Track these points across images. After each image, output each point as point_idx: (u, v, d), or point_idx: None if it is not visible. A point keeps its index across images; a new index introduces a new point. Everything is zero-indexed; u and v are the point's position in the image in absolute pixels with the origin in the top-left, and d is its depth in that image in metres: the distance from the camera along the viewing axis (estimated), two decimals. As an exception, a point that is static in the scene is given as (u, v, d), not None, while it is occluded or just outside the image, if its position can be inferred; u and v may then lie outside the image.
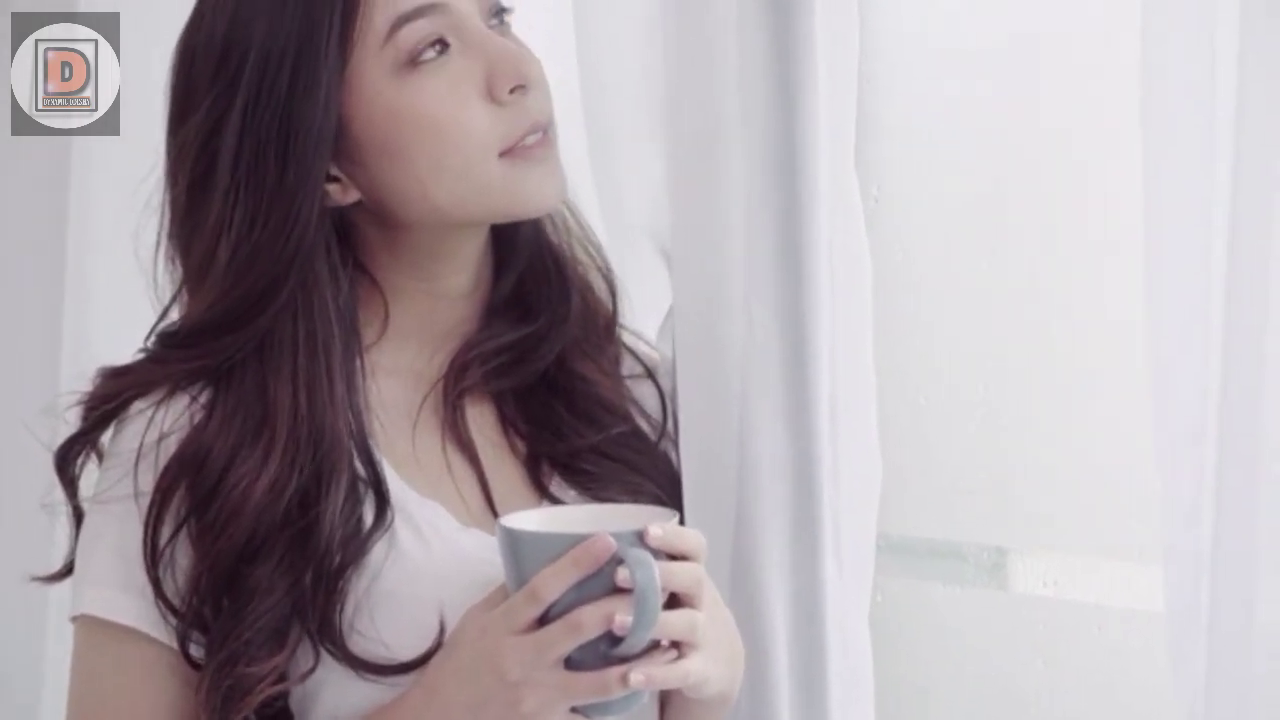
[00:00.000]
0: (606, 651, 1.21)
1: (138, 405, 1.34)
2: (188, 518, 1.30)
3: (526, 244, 1.42)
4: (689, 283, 1.44)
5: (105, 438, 1.37)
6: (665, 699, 1.36)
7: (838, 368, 1.45)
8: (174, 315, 1.40)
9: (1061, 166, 1.61)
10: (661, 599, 1.20)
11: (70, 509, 1.37)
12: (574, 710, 1.23)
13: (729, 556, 1.41)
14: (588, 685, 1.21)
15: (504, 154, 1.32)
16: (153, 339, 1.38)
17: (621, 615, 1.19)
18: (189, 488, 1.30)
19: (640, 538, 1.21)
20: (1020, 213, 1.65)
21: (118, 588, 1.31)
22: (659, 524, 1.22)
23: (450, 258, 1.38)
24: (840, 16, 1.40)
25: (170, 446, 1.32)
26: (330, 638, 1.29)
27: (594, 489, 1.38)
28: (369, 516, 1.32)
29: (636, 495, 1.38)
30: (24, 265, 2.20)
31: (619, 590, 1.20)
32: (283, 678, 1.29)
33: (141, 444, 1.32)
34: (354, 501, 1.31)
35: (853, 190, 1.44)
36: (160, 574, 1.30)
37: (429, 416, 1.39)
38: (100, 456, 1.36)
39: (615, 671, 1.20)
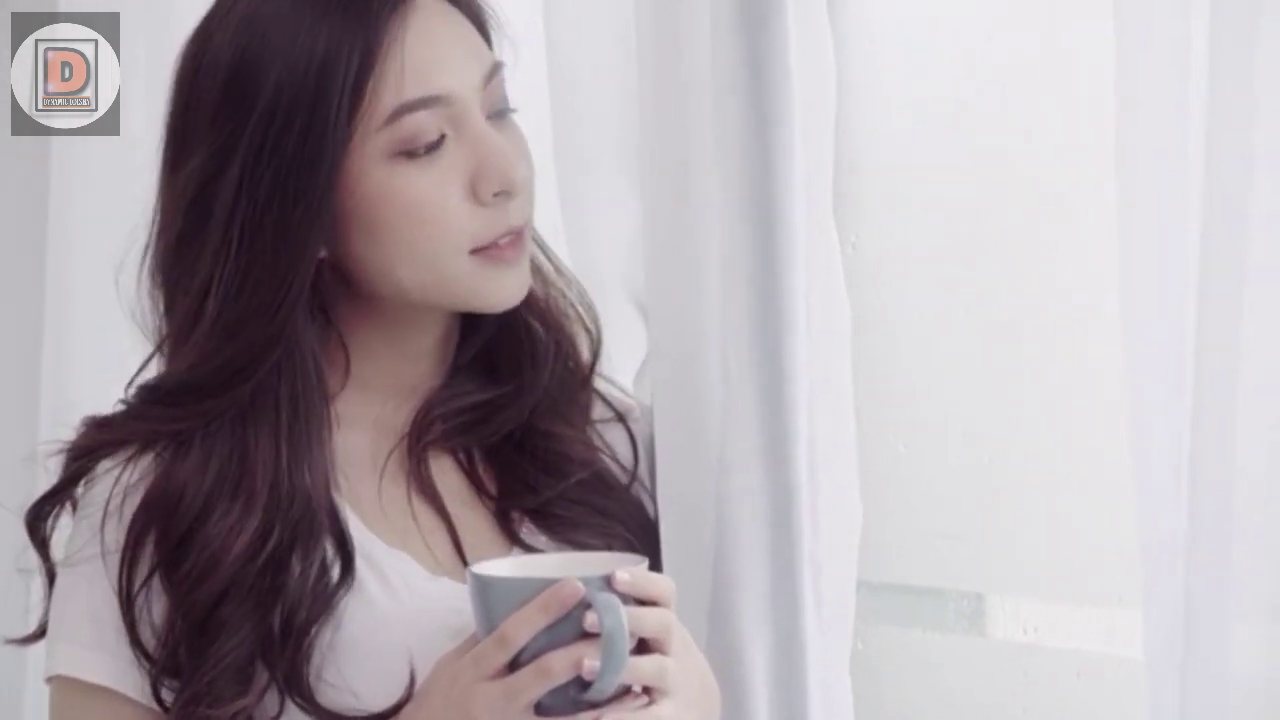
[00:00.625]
0: (576, 697, 1.21)
1: (105, 465, 1.34)
2: (159, 565, 1.30)
3: None
4: (666, 332, 1.44)
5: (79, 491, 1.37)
6: None
7: (816, 415, 1.45)
8: (156, 362, 1.41)
9: (1040, 213, 1.62)
10: (630, 644, 1.20)
11: (43, 569, 1.37)
12: None
13: (708, 602, 1.41)
14: None
15: (474, 252, 1.32)
16: (134, 389, 1.38)
17: (590, 660, 1.19)
18: (159, 533, 1.31)
19: (608, 582, 1.21)
20: (998, 259, 1.65)
21: (90, 647, 1.32)
22: (627, 569, 1.22)
23: (416, 322, 1.38)
24: (815, 63, 1.40)
25: (136, 499, 1.32)
26: (299, 690, 1.29)
27: (565, 533, 1.39)
28: (335, 572, 1.32)
29: (608, 539, 1.38)
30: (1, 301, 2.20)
31: (588, 635, 1.20)
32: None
33: (108, 501, 1.33)
34: (323, 557, 1.32)
35: (830, 237, 1.44)
36: (136, 620, 1.30)
37: (394, 468, 1.39)
38: (75, 507, 1.36)
39: (585, 717, 1.21)
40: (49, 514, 1.37)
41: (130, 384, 1.39)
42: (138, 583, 1.30)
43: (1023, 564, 1.65)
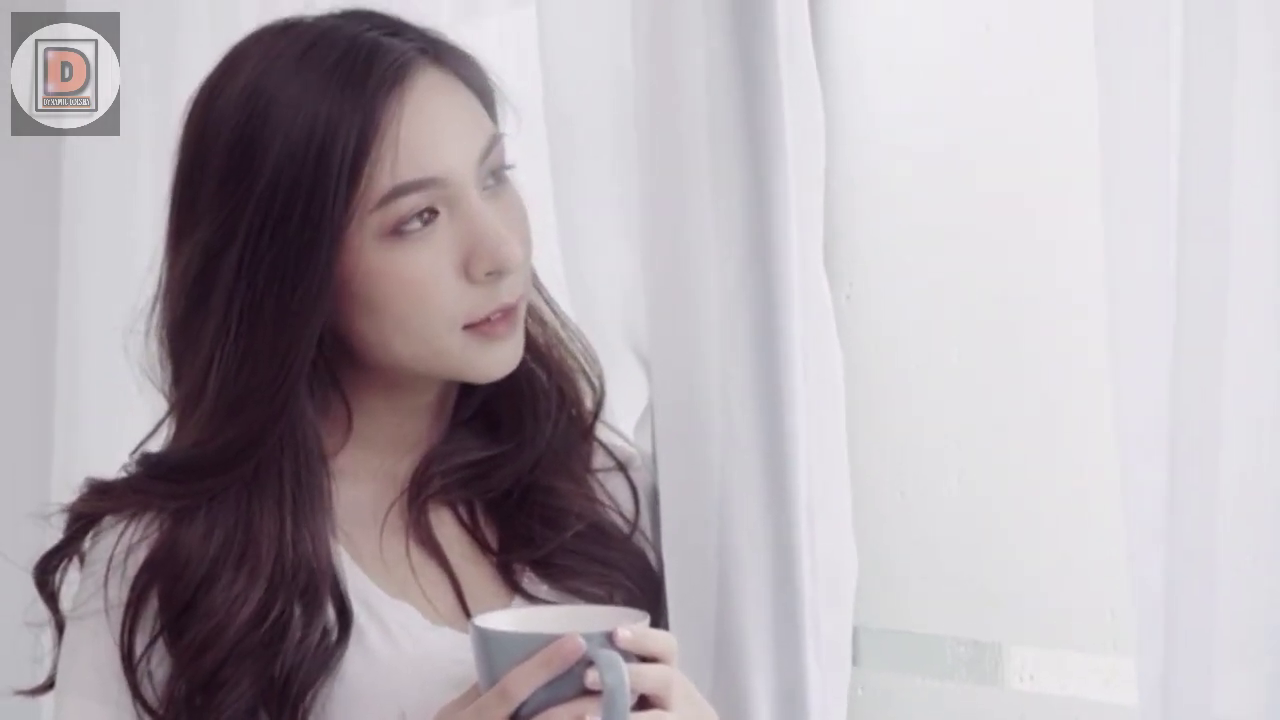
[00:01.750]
0: None
1: (109, 519, 1.36)
2: (163, 631, 1.32)
3: None
4: (666, 382, 1.45)
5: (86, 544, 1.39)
6: None
7: (813, 464, 1.46)
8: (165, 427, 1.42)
9: (1035, 260, 1.63)
10: (631, 700, 1.21)
11: (52, 621, 1.39)
12: None
13: (711, 651, 1.42)
14: None
15: (467, 327, 1.33)
16: (137, 457, 1.39)
17: (591, 717, 1.20)
18: (162, 594, 1.32)
19: (610, 639, 1.22)
20: (992, 308, 1.66)
21: (95, 699, 1.34)
22: (629, 625, 1.23)
23: (414, 383, 1.40)
24: (805, 115, 1.42)
25: (140, 556, 1.34)
26: None
27: (566, 581, 1.39)
28: (335, 634, 1.33)
29: (610, 588, 1.39)
30: (13, 360, 2.21)
31: (589, 692, 1.21)
32: None
33: (111, 557, 1.34)
34: (324, 622, 1.33)
35: (822, 286, 1.45)
36: (138, 678, 1.32)
37: (395, 520, 1.40)
38: (82, 562, 1.38)
39: None
40: (56, 567, 1.38)
41: (137, 449, 1.40)
42: (140, 644, 1.32)
43: (1020, 611, 1.66)
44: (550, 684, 1.21)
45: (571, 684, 1.21)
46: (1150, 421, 1.18)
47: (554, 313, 1.47)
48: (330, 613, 1.33)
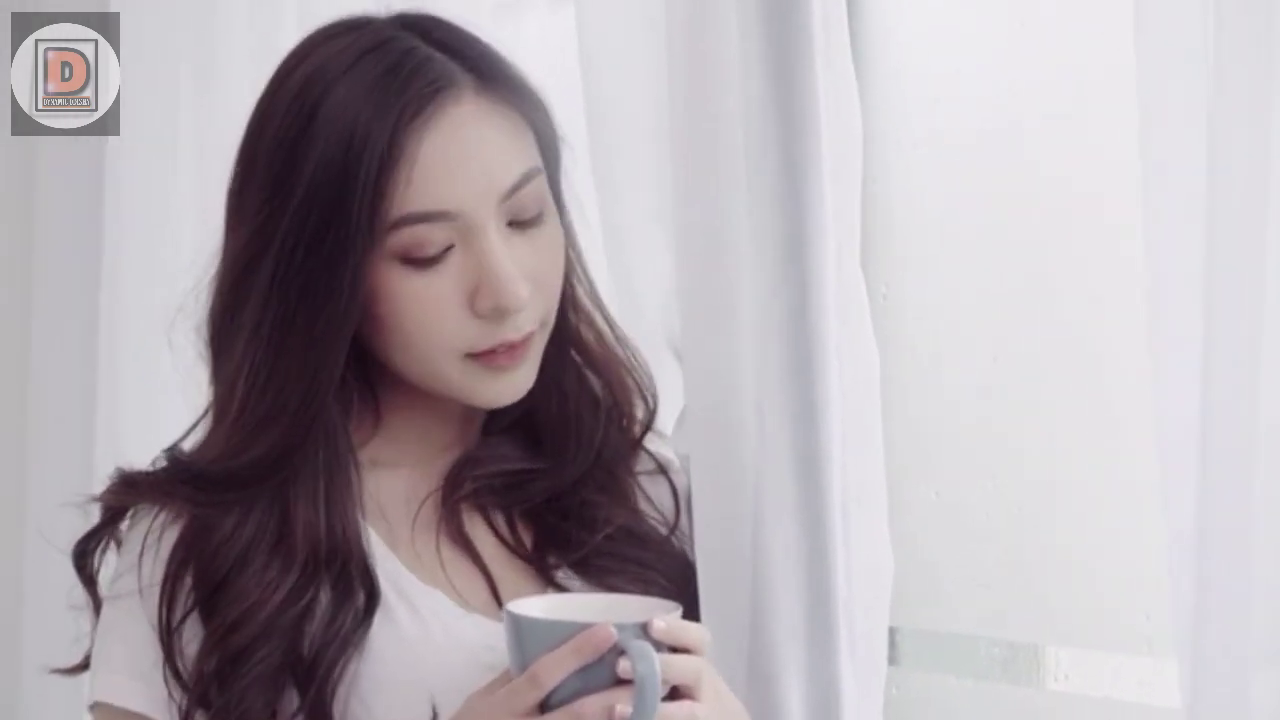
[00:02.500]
0: None
1: (145, 505, 1.37)
2: (196, 608, 1.33)
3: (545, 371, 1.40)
4: (701, 383, 1.45)
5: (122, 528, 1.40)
6: None
7: (848, 464, 1.46)
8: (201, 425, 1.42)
9: (1070, 258, 1.62)
10: (662, 691, 1.22)
11: (90, 603, 1.41)
12: None
13: (745, 652, 1.42)
14: None
15: (469, 356, 1.33)
16: (168, 454, 1.40)
17: (622, 706, 1.20)
18: (196, 573, 1.33)
19: (644, 630, 1.22)
20: (1028, 308, 1.66)
21: (128, 675, 1.35)
22: (663, 617, 1.23)
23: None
24: (842, 116, 1.41)
25: (173, 536, 1.34)
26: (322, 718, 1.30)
27: (602, 579, 1.40)
28: (363, 611, 1.34)
29: (646, 587, 1.39)
30: (59, 351, 2.22)
31: (621, 682, 1.21)
32: None
33: (145, 537, 1.35)
34: (355, 606, 1.33)
35: (859, 287, 1.45)
36: (173, 652, 1.32)
37: (427, 515, 1.40)
38: (119, 544, 1.40)
39: None
40: (93, 551, 1.40)
41: (175, 445, 1.41)
42: (176, 619, 1.33)
43: (1055, 611, 1.65)
44: (582, 672, 1.21)
45: (603, 673, 1.21)
46: (1185, 421, 1.18)
47: (609, 324, 1.46)
48: (360, 595, 1.34)
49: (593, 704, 1.21)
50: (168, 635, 1.33)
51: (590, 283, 1.45)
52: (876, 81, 1.70)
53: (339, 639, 1.32)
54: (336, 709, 1.31)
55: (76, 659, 1.42)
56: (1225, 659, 1.15)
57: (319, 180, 1.29)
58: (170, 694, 1.33)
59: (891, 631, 1.52)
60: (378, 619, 1.33)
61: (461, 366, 1.33)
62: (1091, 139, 1.59)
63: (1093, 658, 1.65)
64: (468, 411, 1.41)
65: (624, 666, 1.21)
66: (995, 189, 1.67)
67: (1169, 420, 1.20)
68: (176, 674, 1.32)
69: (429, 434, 1.41)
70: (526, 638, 1.24)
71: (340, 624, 1.32)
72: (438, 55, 1.33)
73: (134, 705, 1.34)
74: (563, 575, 1.40)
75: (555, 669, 1.21)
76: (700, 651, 1.25)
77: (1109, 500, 1.59)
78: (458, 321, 1.32)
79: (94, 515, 1.41)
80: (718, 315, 1.42)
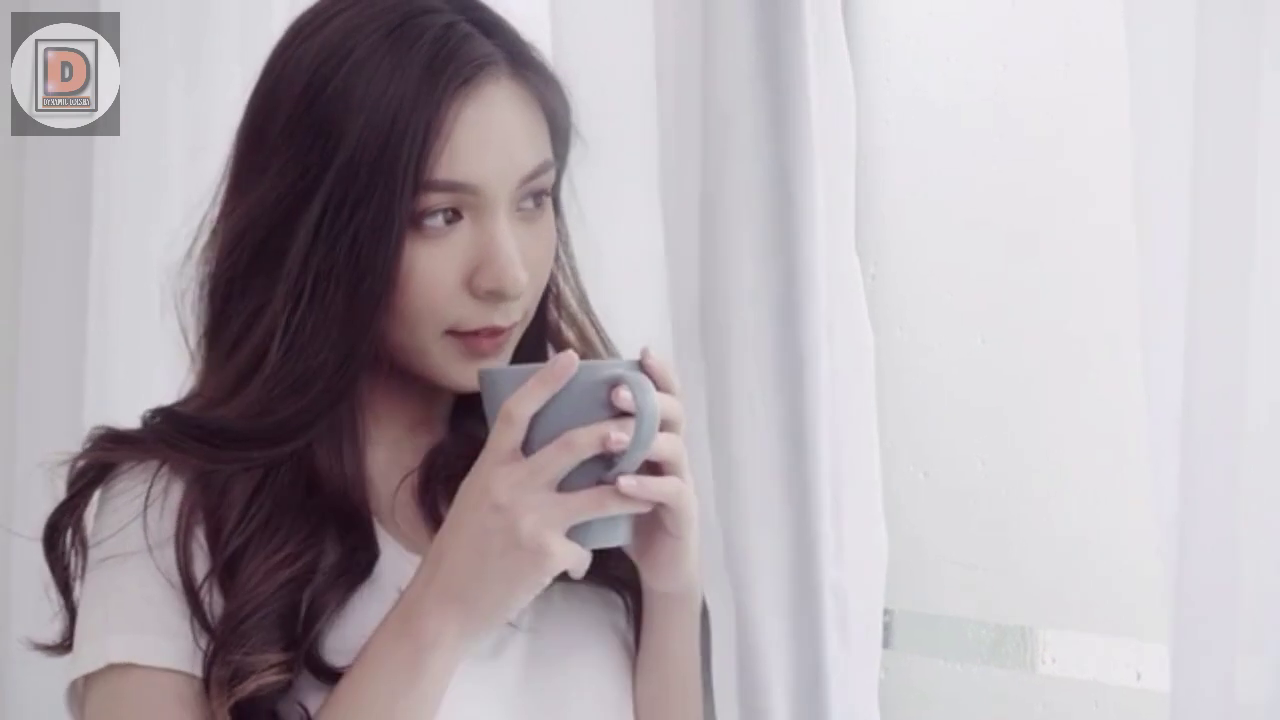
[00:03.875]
0: (601, 474, 1.22)
1: (126, 466, 1.35)
2: (214, 572, 1.30)
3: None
4: (689, 368, 1.45)
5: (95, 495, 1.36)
6: (646, 603, 1.37)
7: (841, 444, 1.46)
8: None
9: (1060, 240, 1.62)
10: (657, 427, 1.22)
11: (58, 580, 1.37)
12: (569, 536, 1.23)
13: (734, 634, 1.42)
14: (583, 502, 1.22)
15: (451, 333, 1.32)
16: (162, 412, 1.37)
17: (618, 433, 1.21)
18: (211, 532, 1.31)
19: (639, 365, 1.23)
20: (1017, 291, 1.66)
21: (153, 632, 1.31)
22: (654, 355, 1.24)
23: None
24: (836, 96, 1.41)
25: (177, 491, 1.32)
26: (312, 659, 1.30)
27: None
28: (363, 569, 1.33)
29: (610, 565, 1.39)
30: (47, 322, 2.22)
31: (611, 418, 1.22)
32: (287, 669, 1.29)
33: (149, 492, 1.33)
34: (359, 561, 1.33)
35: (854, 268, 1.45)
36: (202, 604, 1.30)
37: (405, 495, 1.39)
38: (76, 526, 1.36)
39: (609, 487, 1.22)
40: (67, 526, 1.36)
41: (162, 409, 1.38)
42: (199, 576, 1.30)
43: (1044, 594, 1.65)
44: (572, 412, 1.22)
45: (593, 408, 1.22)
46: (1171, 408, 1.18)
47: (593, 325, 1.46)
48: (364, 554, 1.33)
49: (584, 433, 1.21)
50: (193, 591, 1.30)
51: (578, 283, 1.45)
52: (866, 61, 1.69)
53: (336, 593, 1.31)
54: (322, 651, 1.30)
55: (55, 636, 1.38)
56: (1210, 645, 1.14)
57: (367, 138, 1.28)
58: (197, 643, 1.30)
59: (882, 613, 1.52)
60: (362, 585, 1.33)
61: (442, 343, 1.33)
62: (1082, 119, 1.59)
63: (1082, 640, 1.65)
64: (435, 393, 1.39)
65: (623, 396, 1.21)
66: (984, 170, 1.67)
67: (1155, 407, 1.19)
68: (206, 626, 1.30)
69: (402, 410, 1.40)
70: (498, 391, 1.25)
71: (340, 580, 1.32)
72: (477, 33, 1.33)
73: (162, 661, 1.30)
74: None
75: (525, 401, 1.22)
76: (678, 426, 1.26)
77: (1099, 482, 1.59)
78: (451, 296, 1.31)
79: (60, 491, 1.37)
80: (705, 300, 1.42)
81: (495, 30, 1.35)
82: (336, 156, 1.29)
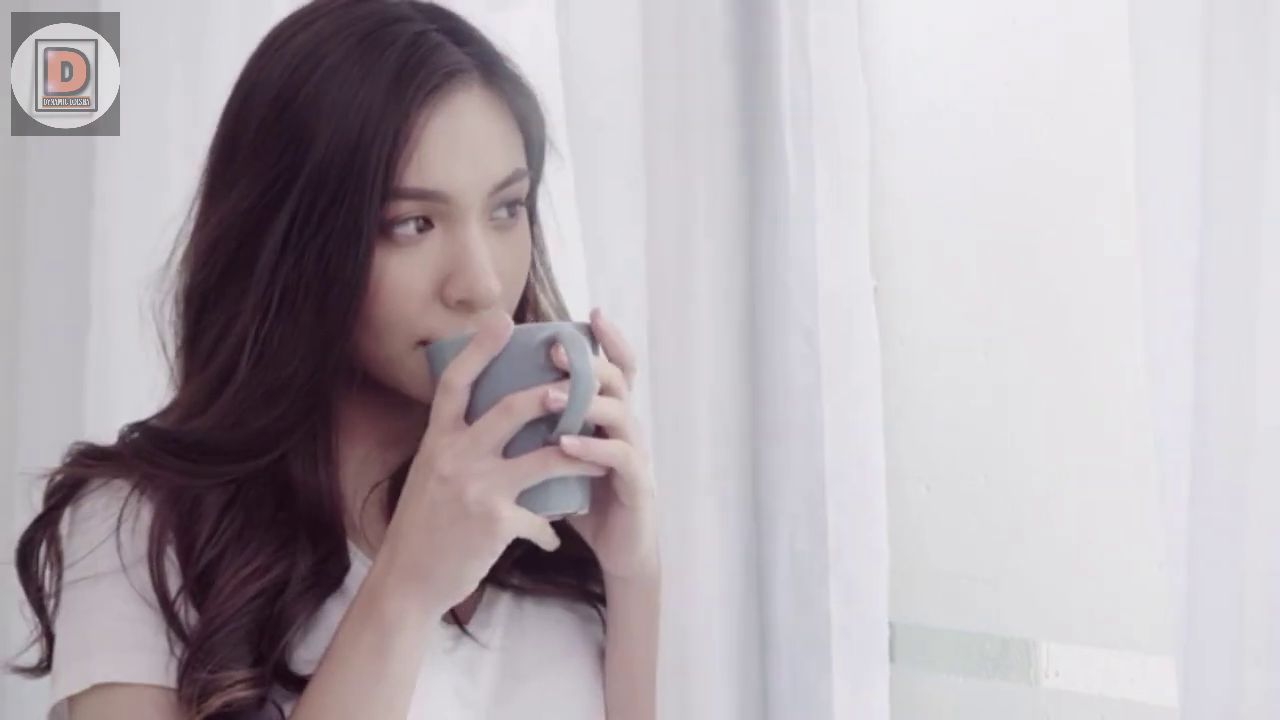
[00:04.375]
0: (545, 436, 1.21)
1: (97, 482, 1.34)
2: (185, 588, 1.30)
3: None
4: (665, 384, 1.45)
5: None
6: (609, 593, 1.36)
7: (846, 459, 1.45)
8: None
9: (1061, 250, 1.61)
10: (595, 385, 1.21)
11: (31, 599, 1.36)
12: (521, 502, 1.22)
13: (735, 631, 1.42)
14: (528, 466, 1.21)
15: (422, 344, 1.31)
16: (139, 427, 1.37)
17: (556, 393, 1.20)
18: (182, 549, 1.30)
19: (586, 327, 1.23)
20: (1020, 302, 1.65)
21: (132, 649, 1.30)
22: (601, 316, 1.24)
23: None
24: (848, 105, 1.41)
25: (147, 511, 1.32)
26: (280, 668, 1.29)
27: (546, 574, 1.38)
28: (334, 580, 1.33)
29: (584, 579, 1.38)
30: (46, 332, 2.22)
31: (552, 381, 1.21)
32: (256, 684, 1.28)
33: (123, 510, 1.32)
34: (328, 569, 1.33)
35: (863, 279, 1.45)
36: (178, 617, 1.29)
37: (373, 509, 1.38)
38: (51, 543, 1.35)
39: (553, 448, 1.20)
40: (40, 542, 1.35)
41: (141, 424, 1.37)
42: (172, 592, 1.30)
43: (1047, 608, 1.64)
44: (511, 375, 1.21)
45: (532, 373, 1.21)
46: (1179, 419, 1.17)
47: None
48: (336, 564, 1.33)
49: (522, 396, 1.20)
50: (169, 606, 1.29)
51: (556, 294, 1.44)
52: (869, 73, 1.68)
53: (306, 604, 1.31)
54: (290, 659, 1.30)
55: (33, 658, 1.37)
56: (1218, 658, 1.14)
57: (335, 146, 1.28)
58: (173, 652, 1.29)
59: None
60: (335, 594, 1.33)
61: (413, 355, 1.31)
62: (1085, 129, 1.58)
63: (1087, 654, 1.64)
64: (408, 407, 1.37)
65: (560, 356, 1.21)
66: (990, 180, 1.66)
67: (1163, 418, 1.19)
68: (182, 636, 1.29)
69: (375, 425, 1.39)
70: (439, 362, 1.24)
71: (310, 591, 1.31)
72: (449, 42, 1.32)
73: (144, 678, 1.30)
74: (504, 571, 1.37)
75: (463, 368, 1.21)
76: (631, 367, 1.25)
77: (1103, 495, 1.58)
78: (422, 306, 1.30)
79: (38, 506, 1.36)
80: (677, 306, 1.42)
81: (468, 40, 1.34)
82: (306, 164, 1.28)
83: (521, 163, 1.34)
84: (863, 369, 1.56)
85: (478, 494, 1.20)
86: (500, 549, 1.22)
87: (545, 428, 1.21)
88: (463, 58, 1.32)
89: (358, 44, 1.30)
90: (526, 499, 1.22)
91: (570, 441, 1.20)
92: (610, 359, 1.25)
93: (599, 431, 1.23)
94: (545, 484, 1.22)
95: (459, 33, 1.34)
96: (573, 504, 1.24)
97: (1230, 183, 1.16)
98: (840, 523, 1.59)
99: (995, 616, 1.67)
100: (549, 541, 1.24)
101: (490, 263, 1.30)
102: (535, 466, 1.21)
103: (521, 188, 1.34)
